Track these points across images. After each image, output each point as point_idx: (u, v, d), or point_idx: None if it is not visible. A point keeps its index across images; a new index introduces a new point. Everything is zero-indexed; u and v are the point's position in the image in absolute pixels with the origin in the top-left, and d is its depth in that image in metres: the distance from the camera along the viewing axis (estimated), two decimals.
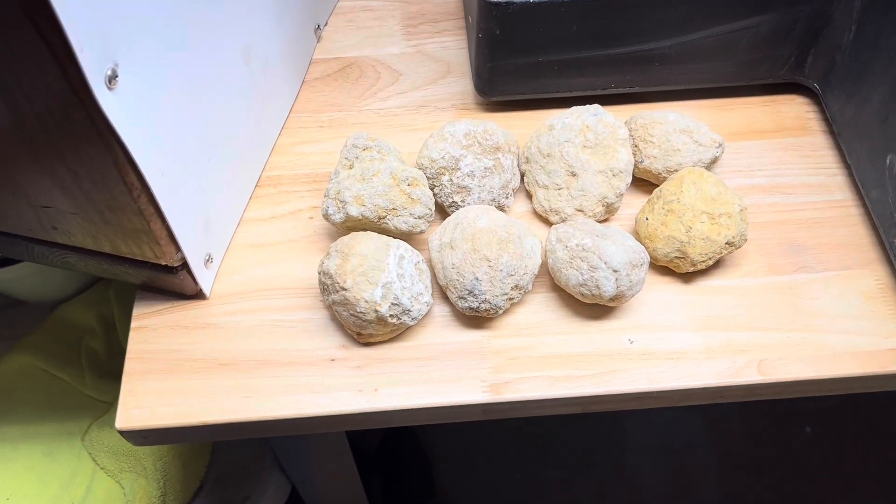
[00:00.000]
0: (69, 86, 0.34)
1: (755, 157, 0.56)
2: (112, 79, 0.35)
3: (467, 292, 0.46)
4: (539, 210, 0.52)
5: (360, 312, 0.44)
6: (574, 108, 0.51)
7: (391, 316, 0.44)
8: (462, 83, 0.60)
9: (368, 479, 0.79)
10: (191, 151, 0.44)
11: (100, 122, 0.35)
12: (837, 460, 1.09)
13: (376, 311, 0.44)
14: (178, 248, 0.45)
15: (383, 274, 0.44)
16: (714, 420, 1.13)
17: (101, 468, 0.64)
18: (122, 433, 0.45)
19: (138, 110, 0.37)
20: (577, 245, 0.46)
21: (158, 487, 0.62)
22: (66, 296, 0.71)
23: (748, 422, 1.13)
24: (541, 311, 0.49)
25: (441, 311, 0.49)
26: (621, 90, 0.57)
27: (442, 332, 0.48)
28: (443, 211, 0.52)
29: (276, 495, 0.68)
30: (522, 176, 0.53)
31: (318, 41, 0.63)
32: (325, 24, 0.64)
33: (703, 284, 0.50)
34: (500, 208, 0.52)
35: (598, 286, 0.45)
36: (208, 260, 0.49)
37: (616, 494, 1.07)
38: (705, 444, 1.11)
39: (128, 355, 0.47)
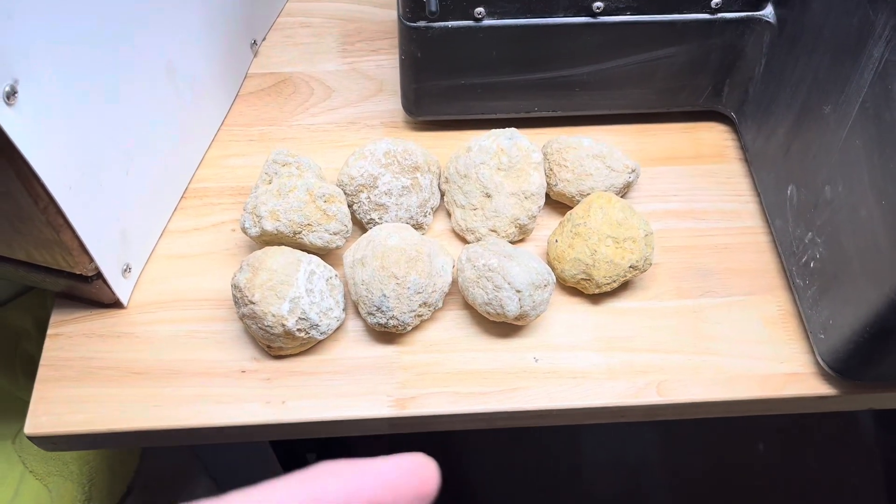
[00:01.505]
0: None
1: (672, 182, 0.57)
2: (11, 95, 0.36)
3: (375, 308, 0.47)
4: (456, 229, 0.53)
5: (268, 326, 0.45)
6: (492, 130, 0.53)
7: (298, 330, 0.46)
8: (393, 101, 0.61)
9: None
10: (104, 164, 0.45)
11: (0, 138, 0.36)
12: (789, 478, 1.10)
13: (283, 325, 0.45)
14: (91, 259, 0.46)
15: (292, 289, 0.45)
16: (668, 436, 1.14)
17: (30, 471, 0.65)
18: (31, 438, 0.46)
19: (41, 125, 0.38)
20: (483, 265, 0.47)
21: (83, 492, 0.62)
22: (3, 299, 0.71)
23: (702, 438, 1.14)
24: (451, 328, 0.50)
25: (354, 325, 0.50)
26: (545, 114, 0.58)
27: (353, 346, 0.49)
28: (362, 227, 0.53)
29: None
30: (443, 195, 0.55)
31: (255, 56, 0.64)
32: (263, 40, 0.65)
33: (610, 306, 0.51)
34: (419, 226, 0.53)
35: (501, 305, 0.46)
36: (126, 270, 0.50)
37: None
38: (659, 460, 1.12)
39: (41, 362, 0.48)
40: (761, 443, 1.15)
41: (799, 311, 0.50)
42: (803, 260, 0.48)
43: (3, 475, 0.65)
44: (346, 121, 0.60)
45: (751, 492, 1.09)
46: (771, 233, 0.53)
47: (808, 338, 0.49)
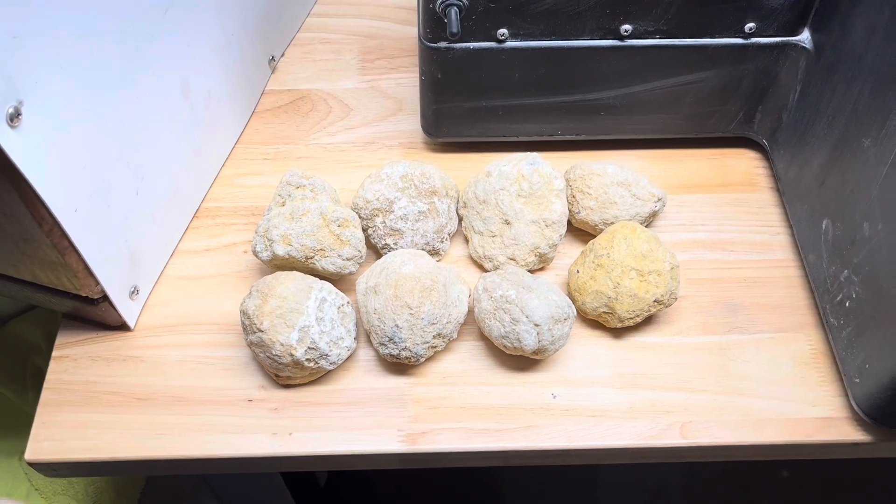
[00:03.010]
0: None
1: (700, 210, 0.55)
2: (14, 117, 0.34)
3: (388, 339, 0.45)
4: (474, 256, 0.51)
5: (276, 355, 0.44)
6: (513, 154, 0.51)
7: (307, 360, 0.44)
8: (412, 121, 0.59)
9: None
10: (113, 185, 0.44)
11: (2, 160, 0.35)
12: None
13: (292, 354, 0.43)
14: (97, 281, 0.44)
15: (301, 317, 0.44)
16: (689, 461, 1.11)
17: (36, 489, 0.64)
18: (32, 465, 0.45)
19: (46, 148, 0.37)
20: (501, 296, 0.45)
21: None
22: (15, 311, 0.71)
23: (724, 463, 1.11)
24: (466, 359, 0.48)
25: (366, 354, 0.48)
26: (568, 137, 0.56)
27: (364, 376, 0.47)
28: (377, 252, 0.52)
29: None
30: (461, 220, 0.53)
31: (273, 72, 0.62)
32: (282, 56, 0.64)
33: (633, 340, 0.49)
34: (435, 252, 0.51)
35: (519, 339, 0.44)
36: (134, 292, 0.48)
37: None
38: (679, 485, 1.09)
39: (45, 385, 0.47)
40: (785, 469, 1.12)
41: (832, 352, 0.47)
42: (838, 298, 0.45)
43: (8, 492, 0.64)
44: (363, 140, 0.59)
45: None
46: (803, 266, 0.51)
47: (841, 380, 0.46)
